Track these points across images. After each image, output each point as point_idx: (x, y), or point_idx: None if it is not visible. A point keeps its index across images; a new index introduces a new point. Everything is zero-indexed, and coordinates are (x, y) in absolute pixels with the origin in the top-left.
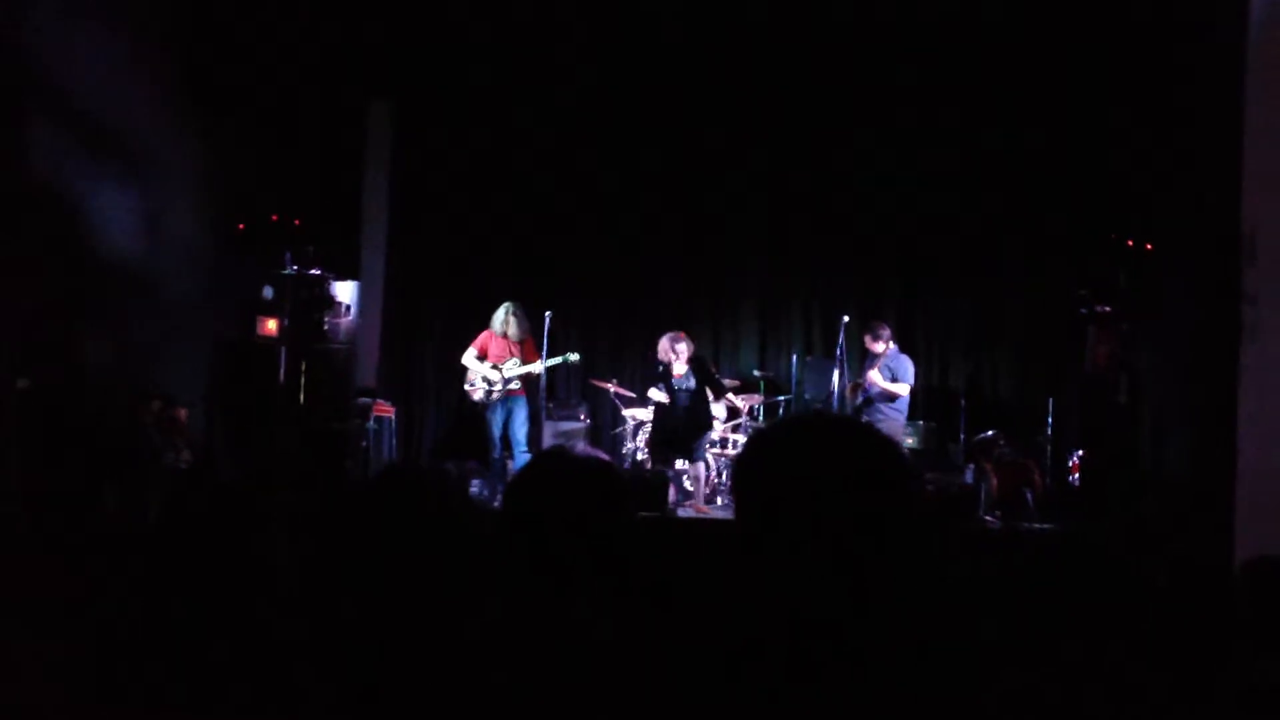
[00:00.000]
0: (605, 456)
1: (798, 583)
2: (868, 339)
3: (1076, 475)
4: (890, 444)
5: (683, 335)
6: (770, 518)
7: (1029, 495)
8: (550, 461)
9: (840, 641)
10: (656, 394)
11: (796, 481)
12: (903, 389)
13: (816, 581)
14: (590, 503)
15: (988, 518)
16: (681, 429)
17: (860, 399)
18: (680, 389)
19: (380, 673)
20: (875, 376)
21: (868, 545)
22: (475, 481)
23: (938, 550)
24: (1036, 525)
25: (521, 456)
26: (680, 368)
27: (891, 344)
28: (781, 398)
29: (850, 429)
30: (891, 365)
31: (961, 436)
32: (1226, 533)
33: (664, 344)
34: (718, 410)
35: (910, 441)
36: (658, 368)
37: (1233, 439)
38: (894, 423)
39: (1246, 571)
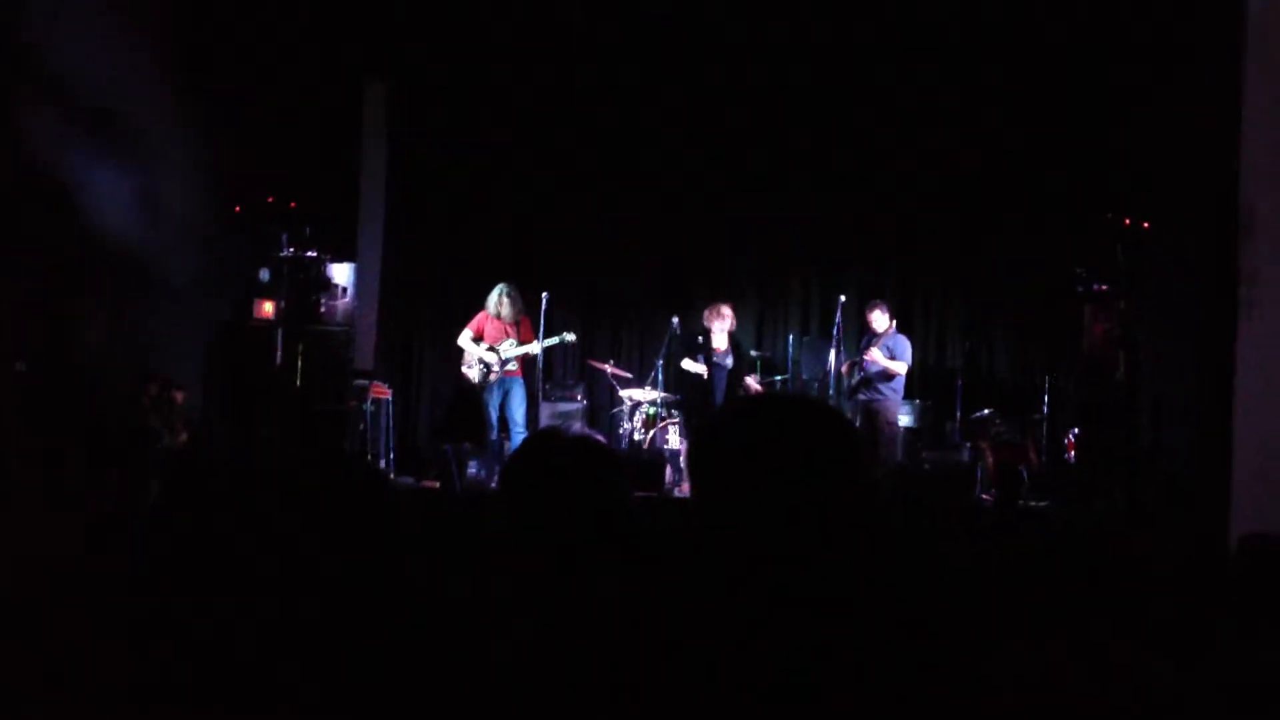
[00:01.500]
0: (600, 436)
1: (753, 563)
2: (876, 313)
3: (1072, 454)
4: (841, 421)
5: (730, 307)
6: (724, 497)
7: (1025, 474)
8: (544, 442)
9: (798, 622)
10: (693, 365)
11: (747, 461)
12: (901, 368)
13: (771, 561)
14: (585, 481)
15: (984, 496)
16: (715, 406)
17: (857, 378)
18: (719, 364)
19: (380, 659)
20: (876, 354)
21: (817, 523)
22: (473, 462)
23: (894, 526)
24: (1032, 504)
25: (518, 437)
26: (721, 342)
27: (892, 323)
28: (779, 378)
29: (801, 408)
30: (890, 344)
31: (958, 415)
32: (1223, 510)
33: (707, 311)
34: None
35: (907, 420)
36: (697, 338)
37: (1229, 417)
38: (891, 402)
39: (1243, 548)
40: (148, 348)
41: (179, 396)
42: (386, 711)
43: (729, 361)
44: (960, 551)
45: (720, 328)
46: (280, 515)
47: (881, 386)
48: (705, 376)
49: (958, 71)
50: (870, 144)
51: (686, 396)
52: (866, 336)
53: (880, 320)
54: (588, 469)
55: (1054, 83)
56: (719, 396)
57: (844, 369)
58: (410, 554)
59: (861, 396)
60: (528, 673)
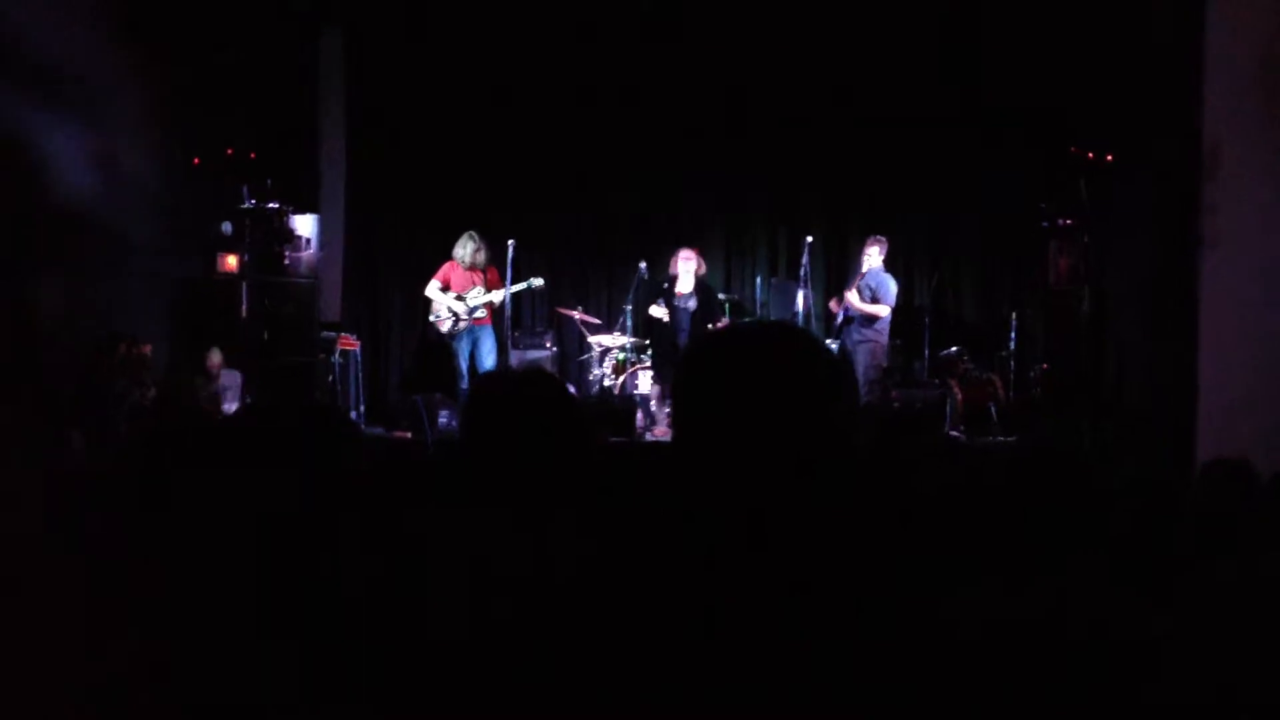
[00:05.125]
0: (546, 369)
1: (736, 493)
2: (873, 250)
3: (1040, 389)
4: (823, 349)
5: (693, 250)
6: (703, 427)
7: (993, 410)
8: (489, 383)
9: (776, 560)
10: (656, 310)
11: (728, 390)
12: (882, 310)
13: (753, 491)
14: (537, 415)
15: (953, 433)
16: (676, 350)
17: (841, 317)
18: (680, 307)
19: (349, 611)
20: (853, 298)
21: (802, 452)
22: (443, 412)
23: (882, 457)
24: (1000, 439)
25: None
26: (685, 285)
27: (881, 260)
28: (747, 320)
29: (784, 336)
30: (871, 285)
31: (926, 353)
32: (1188, 439)
33: (672, 257)
34: None
35: (885, 363)
36: (663, 284)
37: (1194, 348)
38: (875, 344)
39: (1205, 475)
40: (111, 306)
41: (147, 350)
42: (355, 664)
43: (691, 304)
44: (930, 487)
45: (685, 270)
46: (252, 466)
47: (864, 329)
48: (668, 319)
49: (920, 8)
50: (832, 83)
51: (655, 342)
52: (852, 274)
53: (870, 257)
54: (538, 399)
55: (1017, 16)
56: (682, 338)
57: (832, 305)
58: (377, 502)
59: (845, 337)
60: (492, 623)
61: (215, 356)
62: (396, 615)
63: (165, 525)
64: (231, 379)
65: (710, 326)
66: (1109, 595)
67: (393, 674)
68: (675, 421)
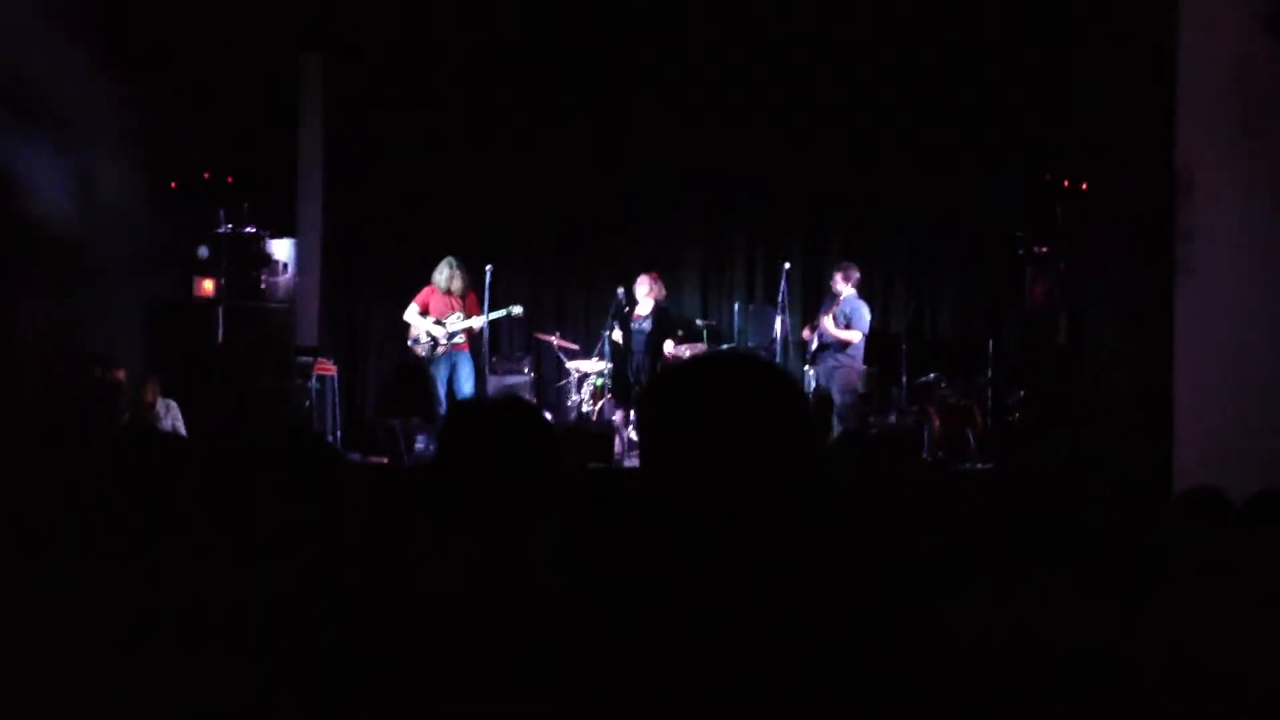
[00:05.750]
0: (521, 395)
1: (704, 523)
2: (838, 276)
3: (1017, 415)
4: (787, 379)
5: (651, 275)
6: (668, 457)
7: (971, 436)
8: (465, 410)
9: (745, 584)
10: (616, 333)
11: (693, 420)
12: (855, 336)
13: (716, 521)
14: (511, 440)
15: (930, 460)
16: (634, 374)
17: (815, 343)
18: (636, 330)
19: (319, 639)
20: (828, 323)
21: (763, 483)
22: (421, 437)
23: (867, 479)
24: (978, 466)
25: None
26: (643, 308)
27: (853, 287)
28: (724, 346)
29: (749, 366)
30: (846, 311)
31: (904, 379)
32: (1165, 466)
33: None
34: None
35: (860, 388)
36: (625, 308)
37: (1169, 373)
38: (850, 370)
39: (1182, 502)
40: (87, 330)
41: (121, 375)
42: (340, 681)
43: (646, 326)
44: (908, 510)
45: (641, 293)
46: (229, 489)
47: (838, 354)
48: (622, 343)
49: (898, 33)
50: (810, 109)
51: (615, 365)
52: (827, 300)
53: (840, 284)
54: (512, 428)
55: (994, 44)
56: (635, 360)
57: (805, 333)
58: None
59: (820, 364)
60: (469, 640)
61: (151, 385)
62: (386, 625)
63: (140, 542)
64: (169, 409)
65: (669, 347)
66: (1086, 609)
67: (384, 682)
68: (642, 450)
